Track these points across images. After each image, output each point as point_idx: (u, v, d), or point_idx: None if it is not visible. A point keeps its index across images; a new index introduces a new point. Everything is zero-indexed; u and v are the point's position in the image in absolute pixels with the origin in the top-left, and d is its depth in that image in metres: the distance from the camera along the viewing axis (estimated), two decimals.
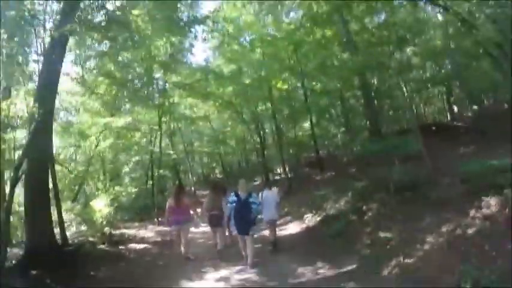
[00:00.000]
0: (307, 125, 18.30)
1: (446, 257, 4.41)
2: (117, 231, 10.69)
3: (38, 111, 5.75)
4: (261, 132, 19.63)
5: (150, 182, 15.47)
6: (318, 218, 8.51)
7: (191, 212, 7.36)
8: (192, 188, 22.45)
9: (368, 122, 16.14)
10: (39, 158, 6.36)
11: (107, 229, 9.87)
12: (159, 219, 13.20)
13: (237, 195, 6.17)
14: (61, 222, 7.67)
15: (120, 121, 12.04)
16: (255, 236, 6.61)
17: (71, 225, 10.71)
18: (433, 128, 13.95)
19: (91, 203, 11.28)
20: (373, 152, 8.82)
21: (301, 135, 18.60)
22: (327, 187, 11.17)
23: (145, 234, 10.29)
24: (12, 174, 5.96)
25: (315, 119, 16.11)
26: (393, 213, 6.50)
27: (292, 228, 9.15)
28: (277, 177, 20.92)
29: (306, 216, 9.20)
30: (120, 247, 8.33)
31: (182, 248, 7.06)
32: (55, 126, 10.55)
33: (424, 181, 7.05)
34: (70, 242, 7.78)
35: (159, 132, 15.18)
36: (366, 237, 6.35)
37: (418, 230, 5.45)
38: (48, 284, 5.15)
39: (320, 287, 5.06)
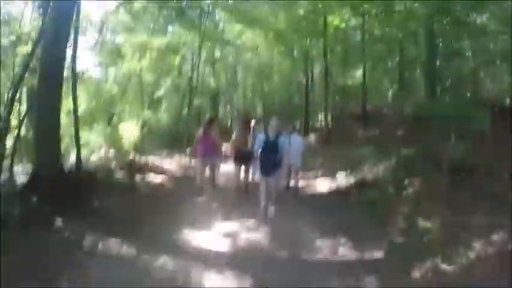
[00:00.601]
0: (358, 73, 16.43)
1: (495, 276, 3.35)
2: (142, 159, 10.53)
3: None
4: (309, 73, 17.89)
5: (186, 110, 14.90)
6: (352, 180, 7.53)
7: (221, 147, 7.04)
8: (229, 122, 21.94)
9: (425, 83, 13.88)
10: (49, 71, 5.70)
11: (131, 156, 9.70)
12: (188, 150, 12.95)
13: (266, 134, 5.80)
14: (77, 144, 7.35)
15: (156, 41, 11.11)
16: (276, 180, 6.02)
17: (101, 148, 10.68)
18: (496, 109, 11.52)
19: (120, 126, 11.07)
20: (433, 114, 7.18)
21: (350, 83, 16.70)
22: (368, 145, 9.93)
23: (170, 165, 9.99)
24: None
25: (369, 67, 14.18)
26: (439, 198, 5.31)
27: (321, 185, 8.31)
28: (317, 124, 19.60)
29: (338, 174, 8.25)
30: (139, 176, 8.08)
31: (198, 179, 6.98)
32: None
33: (485, 168, 5.61)
34: (86, 167, 7.58)
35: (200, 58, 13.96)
36: (401, 219, 5.29)
37: (465, 228, 4.32)
38: (45, 211, 4.78)
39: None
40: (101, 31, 12.87)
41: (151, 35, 12.18)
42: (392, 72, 18.26)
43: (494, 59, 13.64)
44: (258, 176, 6.18)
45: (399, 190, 6.10)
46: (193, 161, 10.70)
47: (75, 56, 7.13)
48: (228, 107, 25.67)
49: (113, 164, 8.26)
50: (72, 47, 6.92)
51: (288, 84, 22.28)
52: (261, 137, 5.86)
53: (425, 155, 6.68)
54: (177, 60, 15.28)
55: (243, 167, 6.74)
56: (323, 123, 17.32)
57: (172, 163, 10.59)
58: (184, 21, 13.12)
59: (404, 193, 5.97)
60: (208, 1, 13.75)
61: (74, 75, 7.07)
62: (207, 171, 6.95)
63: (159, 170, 9.07)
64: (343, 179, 7.89)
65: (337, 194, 7.36)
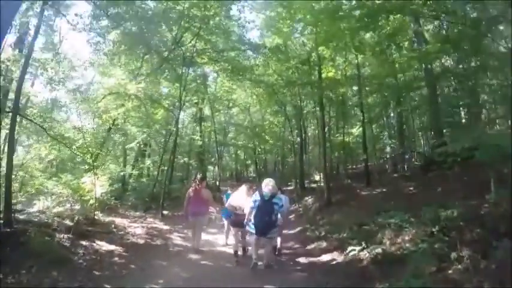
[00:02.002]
0: (354, 130, 15.42)
1: None
2: (106, 218, 8.65)
3: None
4: (303, 130, 16.79)
5: (165, 167, 13.22)
6: (367, 254, 5.56)
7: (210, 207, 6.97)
8: (217, 183, 20.16)
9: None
10: None
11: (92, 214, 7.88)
12: (163, 212, 11.03)
13: (260, 194, 5.63)
14: (7, 196, 5.59)
15: (132, 86, 9.89)
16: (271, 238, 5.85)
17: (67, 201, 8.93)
18: None
19: (84, 178, 9.32)
20: (468, 154, 5.42)
21: (348, 141, 15.54)
22: (378, 206, 8.20)
23: (139, 228, 8.01)
24: None
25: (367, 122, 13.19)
26: None
27: (330, 256, 6.22)
28: (313, 185, 17.95)
29: (350, 248, 5.95)
30: (85, 241, 6.09)
31: (193, 241, 6.68)
32: None
33: None
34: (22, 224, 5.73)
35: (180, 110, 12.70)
36: None
37: None
38: None
39: None
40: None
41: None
42: (391, 126, 17.64)
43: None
44: (251, 236, 5.89)
45: (443, 270, 4.27)
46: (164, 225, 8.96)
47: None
48: (216, 167, 24.02)
49: (59, 222, 6.32)
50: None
51: (281, 144, 21.12)
52: (255, 198, 5.64)
53: (467, 215, 4.98)
54: (159, 113, 14.06)
55: (242, 229, 6.19)
56: (321, 183, 15.79)
57: (143, 226, 8.61)
58: (166, 71, 12.16)
59: (451, 271, 4.14)
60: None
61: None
62: (197, 228, 6.73)
63: (117, 235, 7.07)
64: (357, 254, 5.74)
65: (350, 273, 5.34)
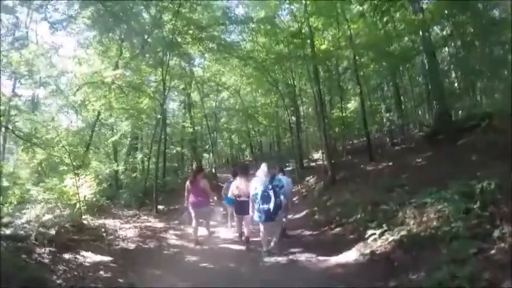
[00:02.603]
0: (350, 105, 14.71)
1: None
2: (97, 222, 7.91)
3: None
4: (298, 108, 16.01)
5: (157, 160, 12.39)
6: (390, 238, 4.88)
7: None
8: (213, 170, 19.47)
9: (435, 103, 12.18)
10: None
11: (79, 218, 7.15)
12: (158, 207, 10.33)
13: (259, 180, 5.51)
14: None
15: (110, 73, 8.92)
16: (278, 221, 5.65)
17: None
18: None
19: (67, 180, 8.55)
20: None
21: (346, 115, 14.84)
22: (389, 182, 7.59)
23: (132, 230, 7.26)
24: None
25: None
26: None
27: (348, 255, 5.08)
28: (312, 164, 17.37)
29: (369, 232, 5.17)
30: (65, 255, 5.34)
31: (192, 232, 6.59)
32: None
33: None
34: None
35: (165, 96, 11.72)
36: None
37: None
38: None
39: None
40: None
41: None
42: (387, 98, 16.98)
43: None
44: (257, 222, 5.58)
45: (486, 252, 3.62)
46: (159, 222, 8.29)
47: None
48: (211, 154, 23.27)
49: (41, 233, 5.54)
50: None
51: (275, 124, 20.37)
52: (254, 185, 5.53)
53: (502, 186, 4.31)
54: (145, 102, 13.10)
55: (246, 216, 6.01)
56: (321, 161, 15.19)
57: (135, 226, 7.89)
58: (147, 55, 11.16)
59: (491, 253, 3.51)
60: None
61: None
62: (197, 219, 6.62)
63: (106, 241, 6.32)
64: (378, 240, 4.97)
65: (375, 265, 4.60)
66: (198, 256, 5.61)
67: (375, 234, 5.10)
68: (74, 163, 7.62)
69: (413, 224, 4.98)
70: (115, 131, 14.70)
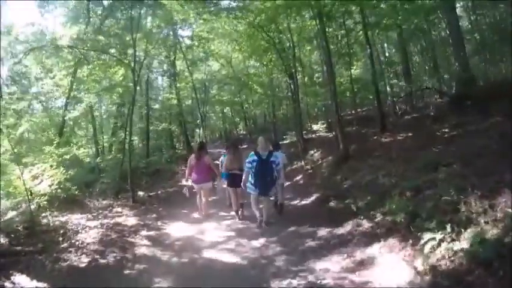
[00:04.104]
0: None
1: None
2: (61, 218, 6.40)
3: None
4: (297, 74, 14.02)
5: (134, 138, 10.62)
6: (459, 246, 3.17)
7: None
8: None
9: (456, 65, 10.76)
10: None
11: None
12: (137, 194, 8.71)
13: (257, 154, 5.57)
14: None
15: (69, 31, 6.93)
16: (272, 198, 6.21)
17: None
18: None
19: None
20: None
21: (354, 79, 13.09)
22: (421, 158, 6.00)
23: (89, 233, 5.58)
24: None
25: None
26: None
27: (396, 271, 3.40)
28: (312, 136, 15.67)
29: (426, 237, 3.46)
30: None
31: (200, 207, 6.86)
32: None
33: None
34: None
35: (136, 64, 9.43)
36: None
37: None
38: None
39: None
40: None
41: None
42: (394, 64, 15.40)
43: None
44: (252, 195, 5.75)
45: None
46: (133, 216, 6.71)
47: None
48: (200, 129, 21.53)
49: None
50: None
51: (271, 93, 18.39)
52: (252, 158, 5.59)
53: None
54: (120, 73, 11.08)
55: (238, 189, 6.28)
56: (328, 133, 13.63)
57: (102, 223, 6.22)
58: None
59: None
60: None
61: None
62: (204, 194, 6.85)
63: (52, 255, 4.64)
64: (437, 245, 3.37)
65: None
66: (173, 276, 3.97)
67: (434, 239, 3.49)
68: (15, 150, 5.84)
69: (486, 223, 3.39)
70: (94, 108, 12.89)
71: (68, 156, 7.71)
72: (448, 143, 6.89)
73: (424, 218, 3.91)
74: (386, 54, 18.32)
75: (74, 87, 10.91)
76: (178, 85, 16.43)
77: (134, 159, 10.10)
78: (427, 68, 17.51)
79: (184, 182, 8.53)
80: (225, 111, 28.10)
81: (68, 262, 4.23)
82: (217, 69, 22.85)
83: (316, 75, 18.09)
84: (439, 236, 3.47)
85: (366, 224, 4.62)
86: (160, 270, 4.08)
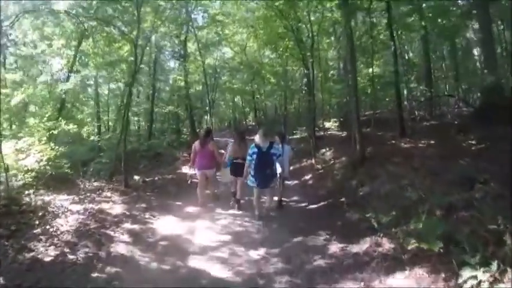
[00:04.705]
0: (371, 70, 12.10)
1: None
2: (45, 198, 5.84)
3: None
4: (313, 65, 13.16)
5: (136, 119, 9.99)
6: None
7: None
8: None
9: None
10: None
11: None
12: (132, 178, 8.12)
13: (257, 146, 5.51)
14: None
15: None
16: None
17: None
18: None
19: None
20: None
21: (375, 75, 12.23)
22: (457, 173, 5.23)
23: (68, 218, 4.98)
24: None
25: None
26: None
27: None
28: (322, 133, 14.81)
29: (466, 275, 2.68)
30: None
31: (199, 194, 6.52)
32: None
33: None
34: None
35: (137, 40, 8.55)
36: None
37: None
38: None
39: None
40: None
41: None
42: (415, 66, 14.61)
43: None
44: (254, 191, 5.66)
45: None
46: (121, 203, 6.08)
47: None
48: (208, 116, 20.89)
49: None
50: None
51: (284, 84, 17.55)
52: (252, 150, 5.56)
53: None
54: (126, 48, 10.36)
55: (240, 178, 6.21)
56: (336, 131, 12.85)
57: (86, 208, 5.61)
58: None
59: None
60: None
61: None
62: (208, 181, 6.75)
63: (23, 238, 4.06)
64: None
65: None
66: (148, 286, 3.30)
67: (474, 277, 2.77)
68: None
69: None
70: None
71: (56, 132, 7.08)
72: (476, 156, 6.15)
73: (461, 247, 3.19)
74: (407, 57, 17.42)
75: (77, 60, 10.24)
76: (186, 66, 15.66)
77: (135, 140, 9.43)
78: (450, 74, 16.62)
79: (186, 170, 8.19)
80: (235, 100, 27.43)
81: (33, 253, 3.63)
82: (230, 56, 22.17)
83: (332, 72, 17.32)
84: (481, 275, 2.75)
85: (386, 244, 3.89)
86: (134, 277, 3.43)
